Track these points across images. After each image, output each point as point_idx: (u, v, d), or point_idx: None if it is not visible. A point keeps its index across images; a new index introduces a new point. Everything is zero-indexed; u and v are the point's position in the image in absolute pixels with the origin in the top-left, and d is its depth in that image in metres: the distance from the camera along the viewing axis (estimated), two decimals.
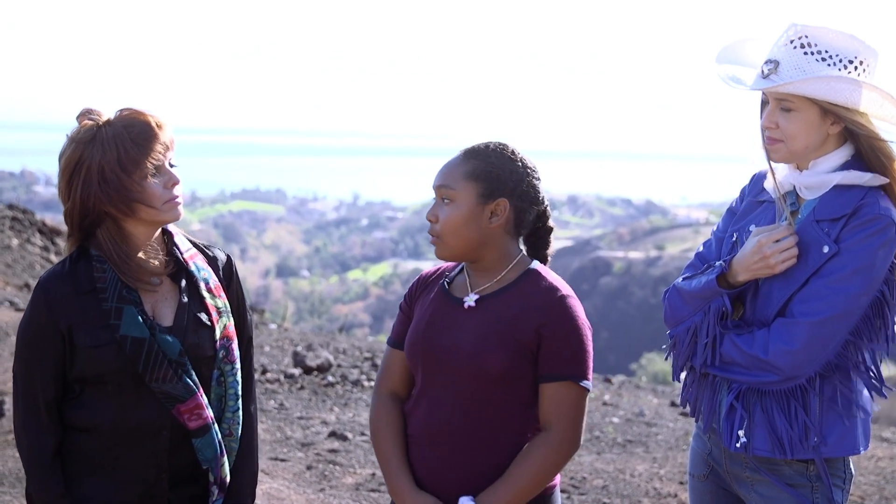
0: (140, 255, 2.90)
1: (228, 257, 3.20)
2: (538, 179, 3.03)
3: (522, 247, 3.11)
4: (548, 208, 3.08)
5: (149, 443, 2.90)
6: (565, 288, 2.98)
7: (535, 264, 3.04)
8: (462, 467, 2.95)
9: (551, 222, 3.12)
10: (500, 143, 3.02)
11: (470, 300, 3.01)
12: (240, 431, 3.09)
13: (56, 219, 18.93)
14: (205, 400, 2.95)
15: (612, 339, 77.43)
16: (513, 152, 3.00)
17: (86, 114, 2.89)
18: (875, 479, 7.03)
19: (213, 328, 3.00)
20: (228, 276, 3.16)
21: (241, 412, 3.08)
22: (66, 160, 2.85)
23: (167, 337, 2.88)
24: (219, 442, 2.98)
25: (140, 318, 2.85)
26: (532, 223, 3.06)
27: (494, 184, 2.95)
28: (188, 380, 2.91)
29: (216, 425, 2.99)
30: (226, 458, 3.02)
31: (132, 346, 2.83)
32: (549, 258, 3.14)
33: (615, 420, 8.65)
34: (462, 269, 3.11)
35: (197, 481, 3.01)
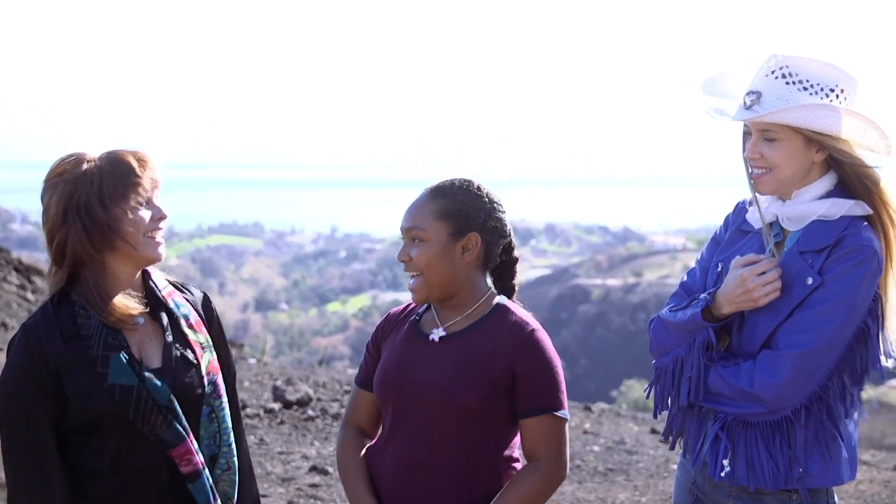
0: (119, 296, 2.86)
1: (205, 294, 3.19)
2: (503, 212, 3.06)
3: (489, 281, 3.12)
4: (513, 240, 3.11)
5: (149, 484, 2.87)
6: (532, 322, 3.01)
7: (503, 299, 3.07)
8: (436, 502, 2.95)
9: (516, 253, 3.15)
10: (464, 180, 3.04)
11: (435, 334, 3.03)
12: (237, 464, 3.06)
13: (32, 256, 18.85)
14: (195, 445, 2.91)
15: (591, 367, 77.39)
16: (478, 188, 3.03)
17: (74, 156, 2.86)
18: (855, 502, 7.04)
19: (199, 365, 2.98)
20: (209, 313, 3.14)
21: (234, 446, 3.05)
22: (54, 200, 2.82)
23: (156, 382, 2.85)
24: (210, 487, 2.94)
25: (128, 364, 2.81)
26: (499, 256, 3.08)
27: (463, 221, 2.98)
28: (177, 425, 2.87)
29: (206, 470, 2.95)
30: (219, 500, 2.98)
31: (121, 394, 2.79)
32: (517, 287, 3.17)
33: (596, 448, 8.63)
34: (430, 305, 3.12)
35: None
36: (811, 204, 2.95)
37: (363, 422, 3.21)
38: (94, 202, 2.79)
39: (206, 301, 3.17)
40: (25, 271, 17.25)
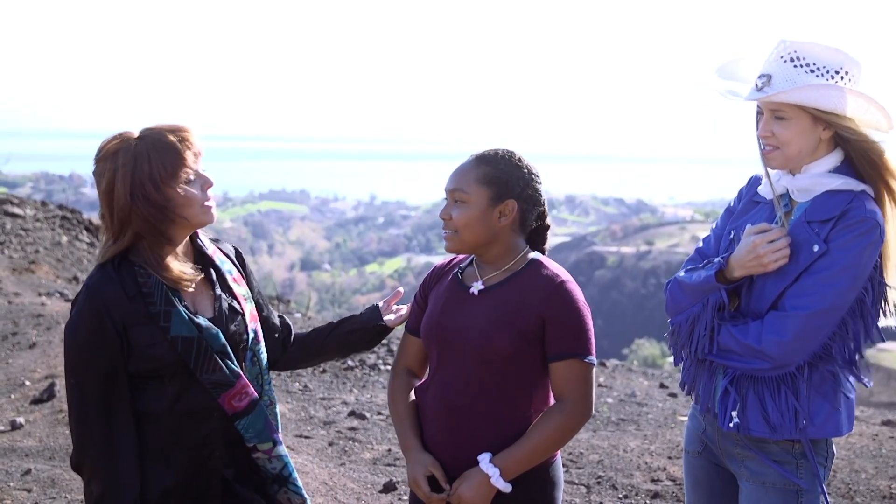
0: (176, 262, 2.86)
1: (236, 248, 3.21)
2: (540, 183, 3.06)
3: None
4: (546, 208, 3.11)
5: (204, 425, 2.88)
6: (564, 274, 3.00)
7: (537, 255, 3.06)
8: (470, 438, 2.96)
9: (549, 220, 3.15)
10: (507, 150, 3.03)
11: (475, 287, 3.03)
12: (276, 398, 3.09)
13: None
14: (246, 380, 2.93)
15: (606, 327, 77.35)
16: (519, 159, 3.02)
17: (120, 136, 2.83)
18: (846, 454, 7.00)
19: (244, 314, 3.00)
20: (243, 264, 3.17)
21: (272, 384, 3.08)
22: (118, 181, 2.77)
23: (212, 331, 2.86)
24: (267, 415, 2.98)
25: (187, 317, 2.82)
26: (533, 222, 3.07)
27: (503, 188, 2.97)
28: (232, 365, 2.89)
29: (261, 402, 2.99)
30: (278, 425, 3.03)
31: (183, 344, 2.80)
32: (546, 251, 3.17)
33: (609, 400, 8.62)
34: (472, 261, 3.13)
35: (243, 457, 2.99)
36: (823, 177, 2.92)
37: (412, 363, 3.24)
38: (148, 186, 2.77)
39: (238, 255, 3.19)
40: (95, 231, 17.38)
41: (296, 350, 3.30)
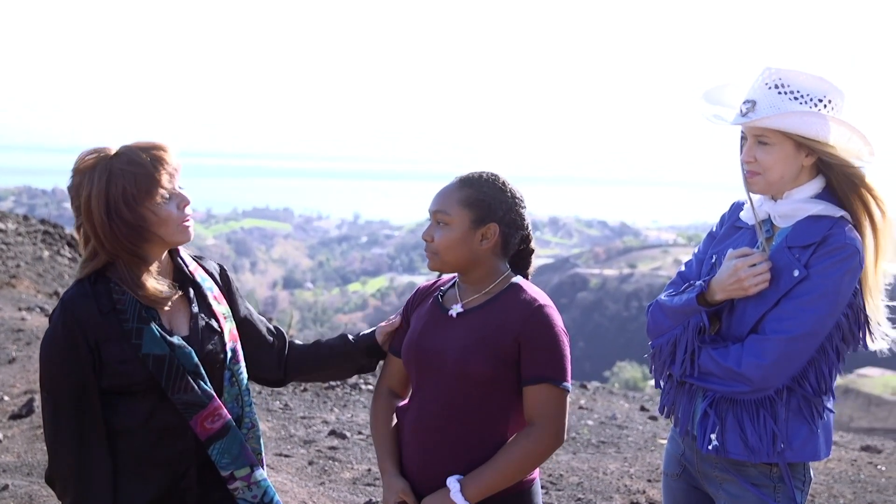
0: (153, 280, 2.86)
1: (221, 266, 3.20)
2: (524, 207, 3.05)
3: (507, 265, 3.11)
4: (531, 232, 3.10)
5: (178, 442, 2.86)
6: (543, 298, 2.98)
7: (518, 279, 3.05)
8: (446, 461, 2.95)
9: (533, 244, 3.14)
10: (492, 174, 3.02)
11: (454, 311, 3.03)
12: (258, 420, 3.06)
13: None
14: (219, 402, 2.91)
15: (587, 349, 77.46)
16: (503, 183, 3.01)
17: (97, 151, 2.82)
18: (824, 478, 7.02)
19: (222, 332, 2.99)
20: (227, 283, 3.16)
21: (254, 406, 3.06)
22: (94, 196, 2.77)
23: (185, 349, 2.84)
24: (242, 439, 2.94)
25: (159, 335, 2.81)
26: (517, 245, 3.07)
27: (486, 211, 2.96)
28: (205, 386, 2.87)
29: (236, 425, 2.95)
30: (250, 451, 2.98)
31: (154, 362, 2.79)
32: (530, 275, 3.16)
33: (590, 423, 8.63)
34: (454, 283, 3.13)
35: (219, 483, 2.94)
36: (804, 203, 2.95)
37: (394, 384, 3.24)
38: (121, 206, 2.77)
39: (224, 272, 3.18)
40: (77, 246, 17.30)
41: (294, 366, 3.27)
